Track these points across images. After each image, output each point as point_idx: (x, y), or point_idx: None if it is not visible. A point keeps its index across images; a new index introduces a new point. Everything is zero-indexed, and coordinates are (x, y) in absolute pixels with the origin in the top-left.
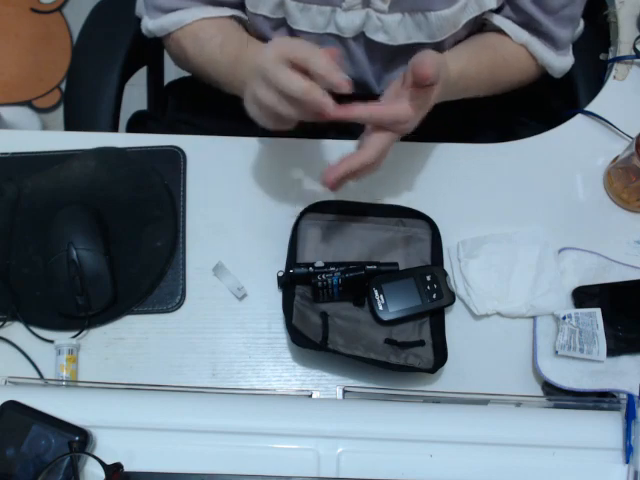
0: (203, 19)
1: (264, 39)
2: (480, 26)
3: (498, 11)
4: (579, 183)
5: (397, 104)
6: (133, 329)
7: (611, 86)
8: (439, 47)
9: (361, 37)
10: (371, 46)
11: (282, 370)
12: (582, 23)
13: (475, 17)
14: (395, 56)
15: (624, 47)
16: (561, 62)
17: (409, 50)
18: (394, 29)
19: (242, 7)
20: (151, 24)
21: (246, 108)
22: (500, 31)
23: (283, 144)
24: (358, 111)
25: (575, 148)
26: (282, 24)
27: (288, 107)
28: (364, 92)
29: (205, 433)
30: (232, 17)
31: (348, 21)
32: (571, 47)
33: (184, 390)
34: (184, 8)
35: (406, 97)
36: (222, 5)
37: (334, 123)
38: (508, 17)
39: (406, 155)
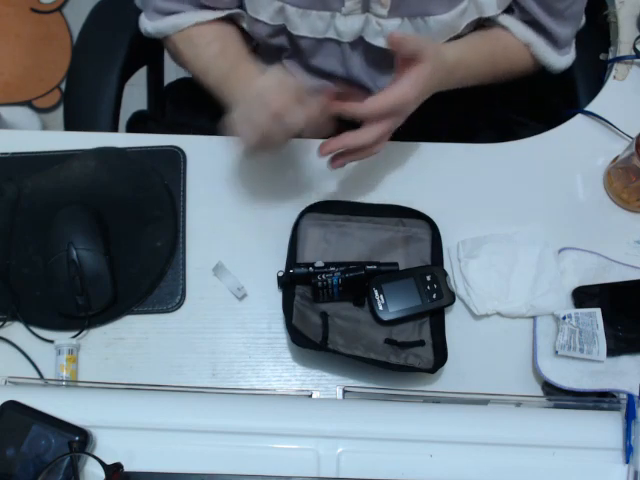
0: (198, 24)
1: (263, 42)
2: (482, 26)
3: (503, 12)
4: (579, 183)
5: (391, 90)
6: (133, 329)
7: (611, 86)
8: None
9: (360, 41)
10: (370, 50)
11: (282, 370)
12: (584, 18)
13: (476, 20)
14: (393, 60)
15: (624, 47)
16: (561, 62)
17: None
18: None
19: (238, 8)
20: (150, 27)
21: (232, 124)
22: (503, 27)
23: None
24: (356, 107)
25: (575, 148)
26: (281, 31)
27: (282, 134)
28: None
29: (205, 433)
30: (228, 18)
31: (347, 26)
32: (573, 43)
33: (184, 390)
34: (181, 12)
35: (398, 81)
36: (217, 9)
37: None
38: (512, 16)
39: (406, 155)
